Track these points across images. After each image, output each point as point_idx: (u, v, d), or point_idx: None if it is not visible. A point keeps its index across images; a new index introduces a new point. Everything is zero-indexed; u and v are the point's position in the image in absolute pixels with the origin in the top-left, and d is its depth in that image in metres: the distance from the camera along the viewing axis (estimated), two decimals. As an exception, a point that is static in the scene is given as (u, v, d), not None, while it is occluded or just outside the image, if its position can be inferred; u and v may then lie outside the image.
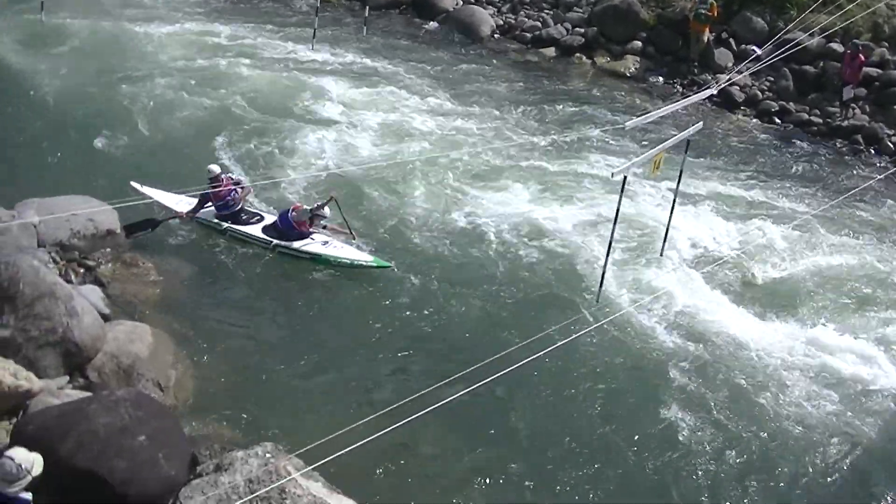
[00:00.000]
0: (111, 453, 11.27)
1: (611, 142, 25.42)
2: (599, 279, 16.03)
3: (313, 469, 9.98)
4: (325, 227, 18.88)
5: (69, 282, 15.63)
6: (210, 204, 18.85)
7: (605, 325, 16.16)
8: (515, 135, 25.40)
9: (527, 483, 13.55)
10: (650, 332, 17.11)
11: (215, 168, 19.04)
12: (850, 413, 15.62)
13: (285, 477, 10.54)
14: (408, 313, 17.20)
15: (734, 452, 14.49)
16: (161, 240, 18.46)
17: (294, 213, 18.44)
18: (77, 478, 11.06)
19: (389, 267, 18.25)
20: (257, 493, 10.34)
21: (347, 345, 16.16)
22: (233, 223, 18.88)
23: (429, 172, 22.38)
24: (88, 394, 13.00)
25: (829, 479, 14.29)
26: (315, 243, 18.58)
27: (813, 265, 20.03)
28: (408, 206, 20.92)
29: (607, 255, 15.11)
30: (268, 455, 11.24)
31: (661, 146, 15.35)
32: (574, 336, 13.87)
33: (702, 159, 24.80)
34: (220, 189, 18.55)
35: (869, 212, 23.17)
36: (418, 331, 16.75)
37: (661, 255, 17.99)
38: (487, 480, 13.51)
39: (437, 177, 22.27)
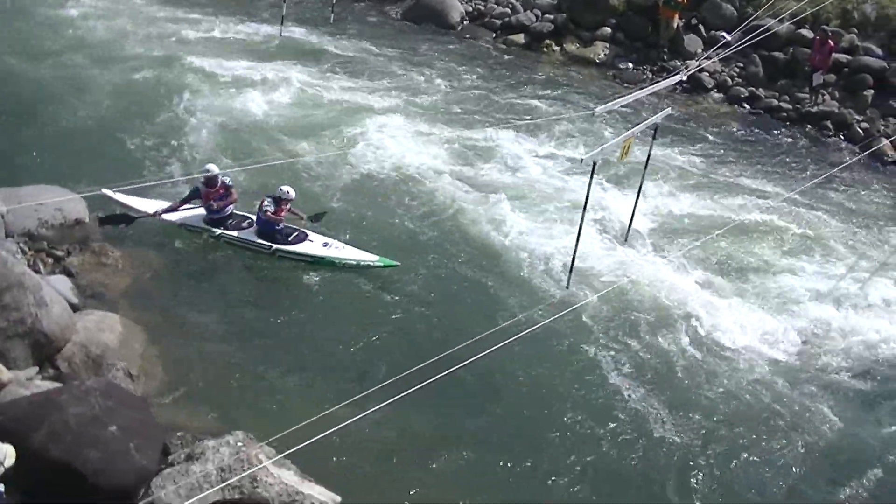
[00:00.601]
0: (83, 444, 11.24)
1: (580, 127, 25.43)
2: (569, 265, 16.07)
3: (285, 457, 10.01)
4: (289, 210, 18.41)
5: (37, 272, 15.54)
6: (198, 204, 18.44)
7: (575, 311, 16.22)
8: (485, 121, 25.42)
9: (498, 468, 13.60)
10: (619, 317, 17.22)
11: (213, 168, 18.43)
12: (821, 399, 15.82)
13: (257, 465, 10.54)
14: (377, 303, 17.20)
15: (704, 435, 14.65)
16: (132, 231, 18.26)
17: (260, 210, 18.12)
18: (49, 469, 11.03)
19: (396, 266, 17.99)
20: (229, 482, 10.34)
21: (318, 335, 16.13)
22: (224, 229, 18.39)
23: (394, 159, 22.40)
24: (58, 384, 12.94)
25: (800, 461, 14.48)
26: (315, 245, 18.28)
27: (780, 249, 20.21)
28: (372, 194, 20.96)
29: (577, 240, 15.10)
30: (239, 444, 11.22)
31: (630, 132, 15.36)
32: (544, 322, 13.91)
33: (671, 145, 24.90)
34: (212, 192, 18.27)
35: (838, 197, 23.32)
36: (388, 320, 16.73)
37: (626, 240, 18.10)
38: (459, 465, 13.59)
39: (401, 163, 22.30)
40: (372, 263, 17.94)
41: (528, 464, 13.72)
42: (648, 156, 16.23)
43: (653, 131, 16.09)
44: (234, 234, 18.34)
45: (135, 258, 17.42)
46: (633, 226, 17.29)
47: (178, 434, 12.58)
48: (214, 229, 18.31)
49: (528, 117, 25.76)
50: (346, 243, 18.44)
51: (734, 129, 27.03)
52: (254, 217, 18.61)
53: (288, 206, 18.33)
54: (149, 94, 24.70)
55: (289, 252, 18.11)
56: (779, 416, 15.22)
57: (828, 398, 15.79)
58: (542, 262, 18.67)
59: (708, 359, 16.40)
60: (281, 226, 18.18)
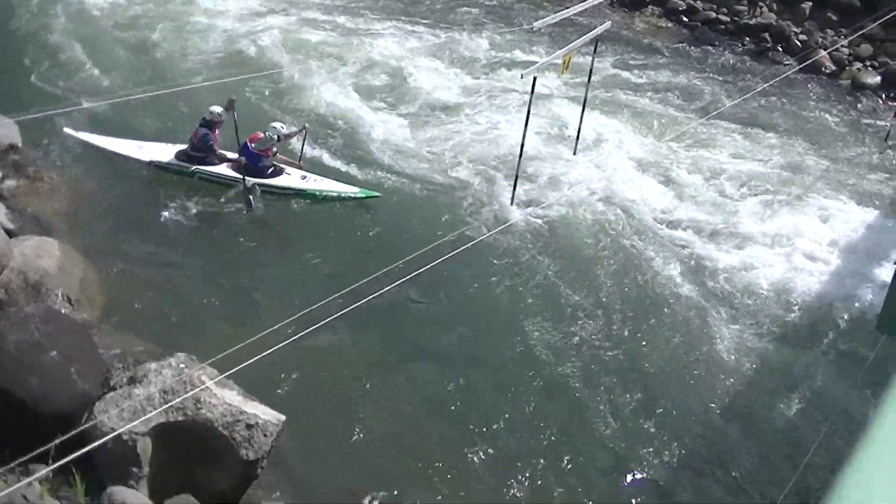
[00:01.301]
0: (23, 370, 11.07)
1: (520, 43, 25.32)
2: (513, 180, 16.08)
3: (228, 377, 9.96)
4: (275, 154, 17.98)
5: (-31, 197, 15.28)
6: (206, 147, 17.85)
7: (518, 224, 16.28)
8: (421, 40, 25.20)
9: (440, 380, 13.80)
10: (563, 230, 17.39)
11: (221, 111, 17.75)
12: (753, 313, 16.13)
13: (200, 386, 10.47)
14: (317, 228, 17.27)
15: (639, 346, 15.01)
16: (67, 154, 17.96)
17: (254, 144, 17.66)
18: (-11, 396, 10.91)
19: (378, 196, 17.83)
20: (172, 404, 10.26)
21: (260, 260, 16.13)
22: (199, 164, 17.83)
23: (328, 76, 22.29)
24: (-4, 311, 12.77)
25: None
26: (293, 178, 17.95)
27: (720, 158, 20.47)
28: (316, 112, 20.81)
29: (520, 156, 15.15)
30: (182, 365, 11.11)
31: (569, 46, 15.34)
32: (486, 235, 13.97)
33: (611, 60, 24.88)
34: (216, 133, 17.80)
35: (776, 108, 23.51)
36: (330, 239, 16.76)
37: (574, 153, 18.07)
38: (401, 380, 13.79)
39: (339, 82, 22.21)
40: (353, 195, 17.75)
41: (468, 378, 13.89)
42: (591, 69, 16.25)
43: (594, 45, 16.05)
44: (210, 169, 17.77)
45: (72, 183, 17.17)
46: (580, 138, 17.31)
47: (120, 358, 12.49)
48: (189, 166, 17.80)
49: (467, 33, 25.58)
50: (321, 175, 18.21)
51: (673, 42, 27.05)
52: (227, 153, 18.06)
53: (274, 151, 17.91)
54: (103, 23, 24.21)
55: (267, 186, 17.72)
56: (714, 333, 15.48)
57: (759, 305, 16.17)
58: (486, 179, 18.69)
59: (648, 267, 16.67)
60: (263, 162, 17.79)
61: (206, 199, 17.51)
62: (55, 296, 13.72)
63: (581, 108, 16.48)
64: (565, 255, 16.75)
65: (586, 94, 16.33)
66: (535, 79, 14.39)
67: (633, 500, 12.36)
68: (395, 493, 11.78)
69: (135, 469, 10.44)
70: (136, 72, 21.65)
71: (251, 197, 17.23)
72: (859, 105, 24.21)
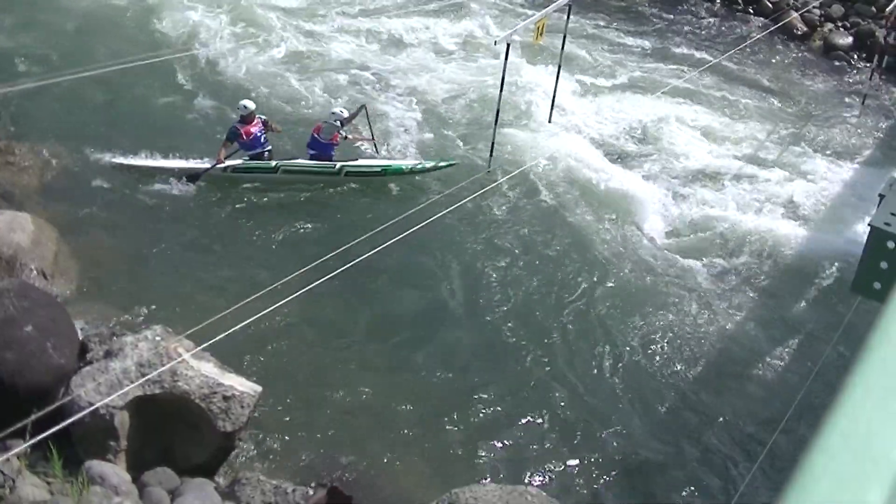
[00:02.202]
0: (-2, 345, 11.07)
1: (492, 9, 25.18)
2: (490, 147, 16.06)
3: (204, 349, 9.95)
4: (346, 138, 17.58)
5: (-60, 172, 15.12)
6: (233, 146, 17.28)
7: (495, 189, 16.30)
8: (392, 6, 25.02)
9: (415, 347, 13.90)
10: (539, 196, 17.37)
11: (251, 104, 17.36)
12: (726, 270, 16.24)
13: (176, 359, 10.46)
14: (288, 199, 17.07)
15: (611, 300, 15.12)
16: (38, 128, 17.75)
17: (320, 135, 17.35)
18: (-36, 372, 10.86)
19: (457, 163, 17.83)
20: (149, 377, 10.26)
21: (234, 233, 16.08)
22: (279, 159, 17.42)
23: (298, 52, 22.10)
24: (-31, 286, 12.67)
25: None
26: (369, 160, 17.83)
27: (692, 123, 20.48)
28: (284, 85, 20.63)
29: (495, 123, 15.13)
30: (157, 338, 11.10)
31: (542, 12, 15.30)
32: (462, 202, 13.96)
33: (584, 25, 24.76)
34: (250, 127, 17.19)
35: (748, 70, 23.50)
36: (303, 214, 16.66)
37: (550, 121, 18.04)
38: (378, 346, 13.87)
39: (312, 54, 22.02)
40: (440, 165, 17.74)
41: (443, 344, 14.01)
42: (564, 35, 16.18)
43: (566, 11, 16.01)
44: (294, 161, 17.45)
45: (45, 157, 16.92)
46: (555, 104, 17.29)
47: (96, 331, 12.43)
48: (271, 161, 17.38)
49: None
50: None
51: (644, 6, 26.87)
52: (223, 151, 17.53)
53: (344, 135, 17.56)
54: None
55: (355, 167, 17.54)
56: (688, 294, 15.59)
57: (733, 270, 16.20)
58: (462, 144, 18.68)
59: (623, 228, 16.85)
60: (334, 149, 17.53)
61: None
62: (29, 270, 13.65)
63: (556, 75, 16.43)
64: (541, 220, 16.78)
65: (560, 61, 16.29)
66: (508, 46, 14.35)
67: (608, 462, 12.45)
68: (372, 461, 11.83)
69: (112, 443, 10.45)
70: (106, 43, 21.30)
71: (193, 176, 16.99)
72: (831, 66, 24.23)
